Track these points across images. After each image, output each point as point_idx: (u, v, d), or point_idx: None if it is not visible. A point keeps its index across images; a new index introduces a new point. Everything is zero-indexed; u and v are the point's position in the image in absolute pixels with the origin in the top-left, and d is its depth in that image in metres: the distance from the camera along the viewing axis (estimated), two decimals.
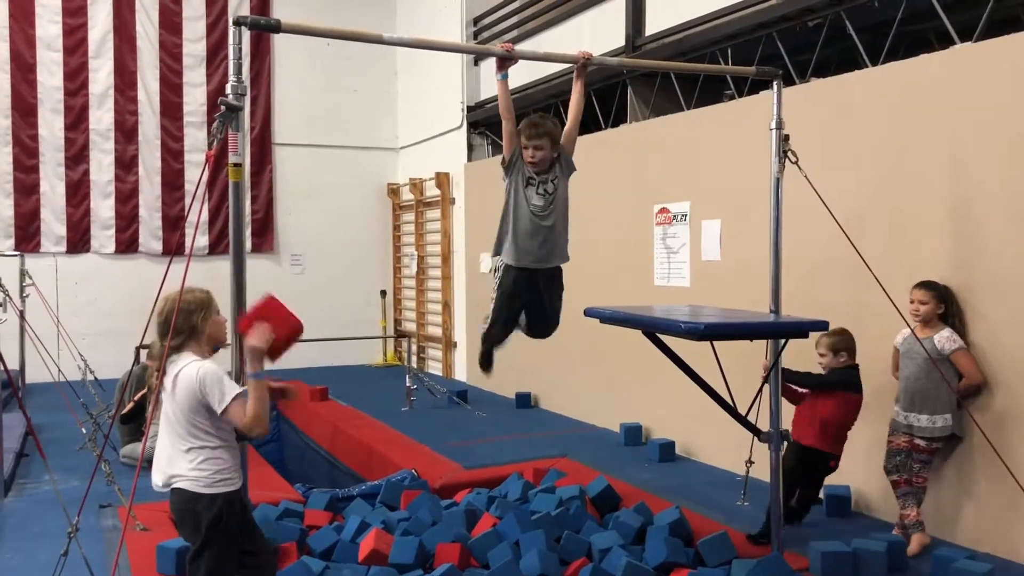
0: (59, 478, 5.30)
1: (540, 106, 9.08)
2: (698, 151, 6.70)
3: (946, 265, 4.77)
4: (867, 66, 5.52)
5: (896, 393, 4.78)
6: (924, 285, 4.66)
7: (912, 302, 4.66)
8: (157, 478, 3.28)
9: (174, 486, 3.22)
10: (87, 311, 10.79)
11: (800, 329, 4.17)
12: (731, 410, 4.31)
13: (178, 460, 3.22)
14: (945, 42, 5.17)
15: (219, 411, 3.14)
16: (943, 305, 4.64)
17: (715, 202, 6.53)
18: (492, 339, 4.20)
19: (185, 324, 3.24)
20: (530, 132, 3.83)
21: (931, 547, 4.56)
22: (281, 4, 11.77)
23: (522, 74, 8.90)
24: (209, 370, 3.17)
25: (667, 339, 4.34)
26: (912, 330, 4.59)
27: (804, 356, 4.98)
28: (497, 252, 4.09)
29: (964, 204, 4.71)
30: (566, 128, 3.99)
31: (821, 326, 4.05)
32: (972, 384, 4.59)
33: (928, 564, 4.35)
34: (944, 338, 4.58)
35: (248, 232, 11.55)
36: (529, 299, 4.09)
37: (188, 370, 3.18)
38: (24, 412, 5.19)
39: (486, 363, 4.28)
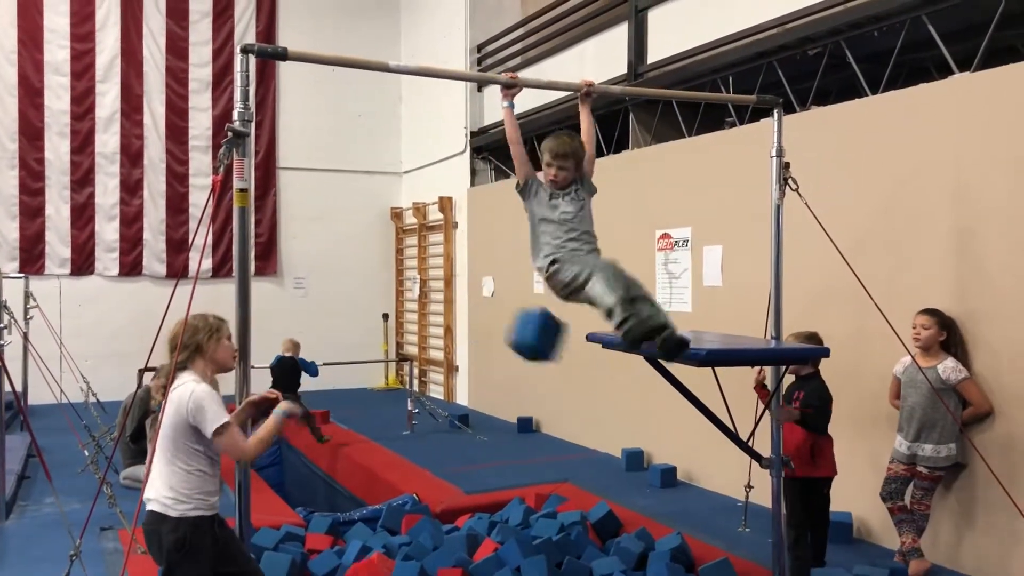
0: (61, 500, 5.29)
1: (544, 132, 9.14)
2: (700, 178, 6.75)
3: (948, 292, 4.79)
4: (867, 95, 5.58)
5: (898, 422, 4.78)
6: (928, 311, 4.68)
7: (914, 327, 4.67)
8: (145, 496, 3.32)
9: (147, 506, 3.26)
10: (90, 333, 10.81)
11: (801, 356, 4.19)
12: (732, 436, 4.31)
13: (156, 480, 3.25)
14: (944, 72, 5.23)
15: (209, 433, 3.17)
16: (945, 333, 4.65)
17: (717, 228, 6.56)
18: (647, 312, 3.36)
19: (191, 342, 3.29)
20: (556, 151, 3.65)
21: (932, 574, 4.55)
22: (286, 31, 11.92)
23: (526, 100, 8.97)
24: (202, 393, 3.21)
25: (668, 364, 4.35)
26: (913, 357, 4.60)
27: None
28: (541, 256, 3.74)
29: (966, 231, 4.74)
30: (586, 154, 3.92)
31: (822, 353, 4.07)
32: (980, 412, 4.59)
33: None
34: (949, 368, 4.59)
35: (252, 255, 11.60)
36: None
37: (182, 390, 3.22)
38: (31, 433, 5.19)
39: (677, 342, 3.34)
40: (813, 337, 4.66)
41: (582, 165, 3.77)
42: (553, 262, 3.62)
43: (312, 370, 8.04)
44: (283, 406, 3.35)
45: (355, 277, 12.53)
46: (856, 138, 5.42)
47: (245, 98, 3.26)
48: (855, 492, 5.14)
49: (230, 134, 3.19)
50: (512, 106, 3.86)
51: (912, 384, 4.69)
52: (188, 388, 3.22)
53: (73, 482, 6.35)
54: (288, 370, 7.96)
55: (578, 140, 3.76)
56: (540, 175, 3.78)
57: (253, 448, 3.26)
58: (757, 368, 4.66)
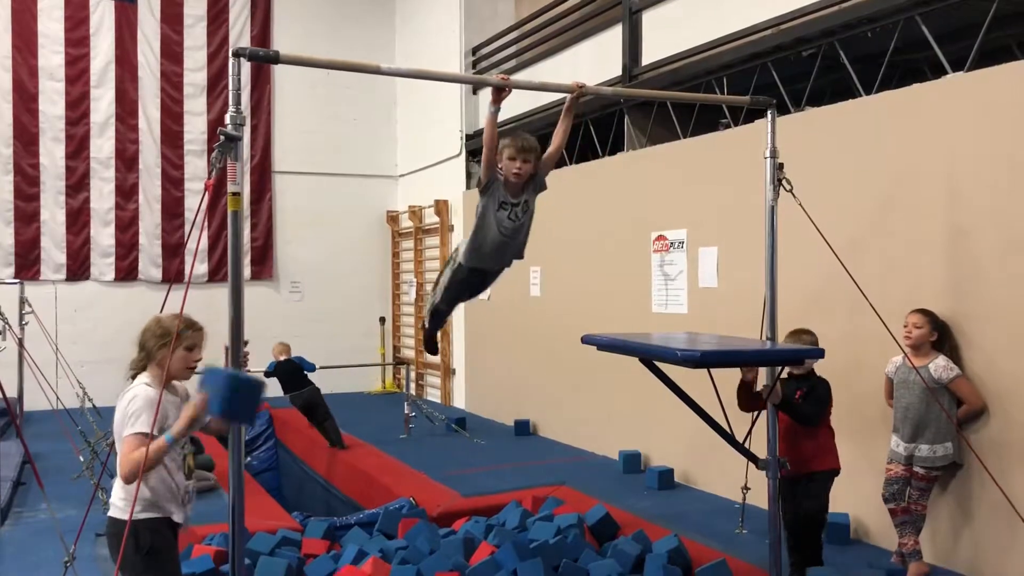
0: (56, 507, 5.27)
1: (538, 134, 9.14)
2: (695, 179, 6.75)
3: (942, 292, 4.79)
4: (861, 95, 5.58)
5: (893, 423, 4.78)
6: (920, 311, 4.68)
7: (906, 326, 4.67)
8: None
9: (108, 513, 3.26)
10: (86, 339, 10.79)
11: (796, 356, 4.19)
12: (728, 437, 4.30)
13: (115, 484, 3.24)
14: (938, 72, 5.23)
15: (122, 435, 3.15)
16: (936, 333, 4.65)
17: (712, 229, 6.56)
18: (439, 322, 4.51)
19: (144, 347, 3.31)
20: (518, 146, 3.91)
21: None
22: (281, 35, 11.91)
23: (521, 103, 8.98)
24: (140, 398, 3.19)
25: (664, 367, 4.34)
26: (906, 356, 4.60)
27: None
28: (460, 250, 4.21)
29: (959, 231, 4.74)
30: (548, 150, 4.08)
31: (817, 354, 4.06)
32: (973, 410, 4.60)
33: None
34: (941, 366, 4.59)
35: (247, 260, 11.61)
36: (479, 287, 4.42)
37: (127, 393, 3.24)
38: (23, 441, 5.19)
39: (433, 346, 4.65)
40: (806, 333, 4.58)
41: (540, 161, 3.99)
42: (452, 261, 4.23)
43: (310, 366, 8.11)
44: (175, 430, 3.16)
45: (351, 281, 12.52)
46: (850, 139, 5.42)
47: (237, 102, 3.25)
48: (852, 493, 5.14)
49: (223, 138, 3.18)
50: (497, 111, 3.93)
51: (905, 384, 4.69)
52: (132, 392, 3.23)
53: (68, 488, 6.34)
54: (292, 372, 8.01)
55: (534, 139, 4.03)
56: (501, 177, 3.97)
57: (128, 467, 3.09)
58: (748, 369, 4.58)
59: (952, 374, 4.58)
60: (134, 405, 3.17)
